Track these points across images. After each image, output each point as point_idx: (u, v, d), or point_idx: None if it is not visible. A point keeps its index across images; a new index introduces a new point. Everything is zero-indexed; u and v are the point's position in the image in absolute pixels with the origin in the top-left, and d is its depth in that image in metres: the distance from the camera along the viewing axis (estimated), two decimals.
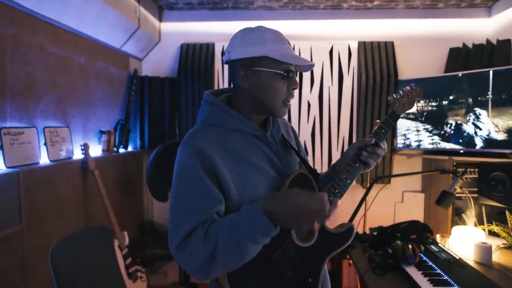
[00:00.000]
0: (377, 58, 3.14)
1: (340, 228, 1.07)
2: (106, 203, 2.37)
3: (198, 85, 3.19)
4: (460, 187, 2.42)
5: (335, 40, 3.21)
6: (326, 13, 3.24)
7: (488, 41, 2.95)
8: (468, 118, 2.66)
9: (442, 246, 1.95)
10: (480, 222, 2.28)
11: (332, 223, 1.12)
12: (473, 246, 1.89)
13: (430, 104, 2.86)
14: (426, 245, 1.95)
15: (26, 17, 1.93)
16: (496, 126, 2.50)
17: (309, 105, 3.23)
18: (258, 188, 0.98)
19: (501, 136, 2.49)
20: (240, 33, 1.03)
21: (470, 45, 3.04)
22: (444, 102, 2.79)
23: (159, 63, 3.35)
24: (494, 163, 2.42)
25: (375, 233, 2.20)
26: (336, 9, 3.23)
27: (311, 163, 3.05)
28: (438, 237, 2.09)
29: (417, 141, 2.94)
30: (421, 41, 3.20)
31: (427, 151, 2.99)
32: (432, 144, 2.85)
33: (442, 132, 2.80)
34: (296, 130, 3.20)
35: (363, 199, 2.04)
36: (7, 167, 1.75)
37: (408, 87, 1.20)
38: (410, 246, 1.73)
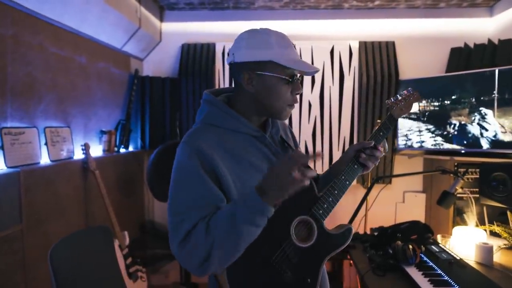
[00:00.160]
0: (378, 58, 3.14)
1: (338, 229, 1.07)
2: (106, 203, 2.37)
3: (199, 85, 3.19)
4: (461, 187, 2.42)
5: (336, 40, 3.21)
6: (327, 13, 3.24)
7: (489, 41, 2.94)
8: (473, 118, 2.64)
9: (442, 247, 1.94)
10: (481, 222, 2.27)
11: (332, 223, 1.12)
12: (474, 246, 1.88)
13: (432, 104, 2.85)
14: (426, 245, 1.94)
15: (27, 17, 1.93)
16: (502, 126, 2.48)
17: (310, 105, 3.23)
18: None
19: (508, 138, 2.46)
20: (245, 35, 1.02)
21: (471, 45, 3.03)
22: (447, 102, 2.77)
23: (160, 63, 3.35)
24: (496, 163, 2.41)
25: (375, 233, 2.20)
26: (337, 9, 3.22)
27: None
28: (439, 238, 2.08)
29: (419, 142, 2.93)
30: (422, 41, 3.19)
31: (429, 151, 2.98)
32: (435, 145, 2.83)
33: (445, 132, 2.79)
34: (297, 130, 3.21)
35: (364, 199, 2.03)
36: (7, 167, 1.75)
37: (405, 91, 1.23)
38: (410, 247, 1.72)
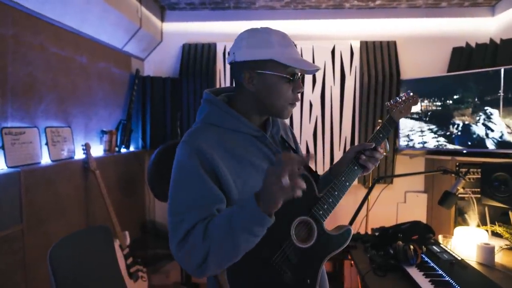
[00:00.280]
0: (379, 58, 3.13)
1: (338, 230, 1.07)
2: (107, 203, 2.37)
3: (200, 85, 3.19)
4: (463, 188, 2.41)
5: (337, 40, 3.20)
6: (328, 13, 3.23)
7: (491, 40, 2.93)
8: (477, 118, 2.62)
9: (444, 247, 1.93)
10: (483, 222, 2.26)
11: (333, 224, 1.12)
12: (475, 247, 1.87)
13: (434, 104, 2.84)
14: (428, 245, 1.93)
15: (27, 17, 1.94)
16: (508, 126, 2.47)
17: (311, 105, 3.22)
18: (258, 188, 0.97)
19: None
20: (246, 34, 1.02)
21: (473, 45, 3.02)
22: (449, 102, 2.76)
23: (161, 63, 3.36)
24: (497, 163, 2.39)
25: (376, 234, 2.19)
26: (338, 9, 3.22)
27: (312, 163, 3.05)
28: (440, 238, 2.07)
29: (421, 142, 2.91)
30: (423, 41, 3.18)
31: (430, 151, 2.97)
32: (438, 146, 2.82)
33: (448, 133, 2.77)
34: (298, 130, 3.21)
35: (365, 199, 2.03)
36: (8, 167, 1.76)
37: (405, 94, 1.25)
38: (411, 247, 1.71)
